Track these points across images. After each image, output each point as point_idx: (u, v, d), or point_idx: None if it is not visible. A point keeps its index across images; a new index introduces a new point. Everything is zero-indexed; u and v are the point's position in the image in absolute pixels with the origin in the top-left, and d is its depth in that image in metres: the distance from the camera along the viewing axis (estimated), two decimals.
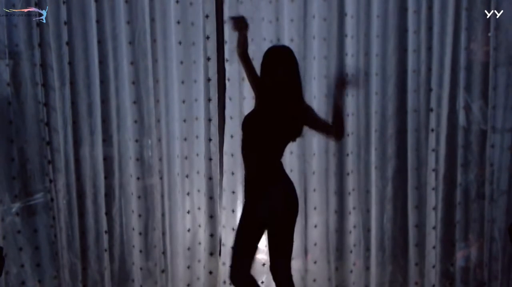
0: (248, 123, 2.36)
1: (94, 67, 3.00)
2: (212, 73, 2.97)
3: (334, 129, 2.31)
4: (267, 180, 2.33)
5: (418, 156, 3.07)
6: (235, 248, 2.44)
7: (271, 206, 2.32)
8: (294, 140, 2.41)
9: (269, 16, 2.99)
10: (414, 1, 2.97)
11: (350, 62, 3.01)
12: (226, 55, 2.97)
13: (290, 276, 2.44)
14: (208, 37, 2.95)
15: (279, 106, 2.28)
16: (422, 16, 2.98)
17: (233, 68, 2.98)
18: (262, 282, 3.14)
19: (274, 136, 2.31)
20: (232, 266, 2.42)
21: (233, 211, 3.05)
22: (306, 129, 2.38)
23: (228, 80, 3.00)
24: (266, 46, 2.96)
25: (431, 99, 3.01)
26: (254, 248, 2.44)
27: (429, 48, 3.00)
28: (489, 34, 2.97)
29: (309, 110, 2.37)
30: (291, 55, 2.29)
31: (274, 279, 2.44)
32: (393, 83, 3.06)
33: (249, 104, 2.95)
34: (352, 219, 3.10)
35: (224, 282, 3.07)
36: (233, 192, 3.05)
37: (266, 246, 3.07)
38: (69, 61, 2.97)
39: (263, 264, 3.12)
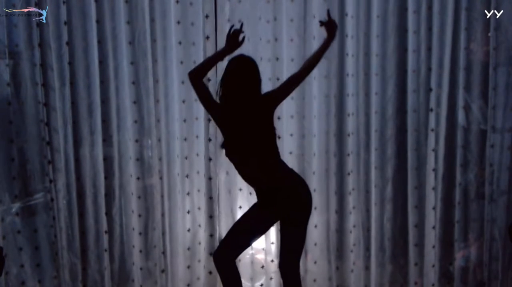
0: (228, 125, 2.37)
1: (94, 67, 3.00)
2: (212, 73, 2.97)
3: (305, 70, 2.39)
4: (264, 182, 2.36)
5: (418, 156, 3.08)
6: (234, 233, 2.44)
7: (275, 207, 2.35)
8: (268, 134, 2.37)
9: (267, 16, 2.99)
10: (414, 1, 2.98)
11: (350, 62, 3.01)
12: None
13: (298, 274, 2.44)
14: (208, 37, 2.95)
15: (239, 108, 2.30)
16: (422, 16, 2.98)
17: None
18: (262, 285, 3.14)
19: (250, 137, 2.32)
20: (222, 247, 2.42)
21: (231, 211, 3.06)
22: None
23: None
24: (263, 46, 2.98)
25: (431, 99, 3.01)
26: (251, 241, 2.50)
27: (429, 48, 3.01)
28: (489, 34, 2.97)
29: (268, 94, 2.37)
30: (246, 64, 2.33)
31: (282, 276, 2.44)
32: (393, 83, 3.07)
33: None
34: (352, 219, 3.10)
35: None
36: (229, 192, 3.06)
37: (268, 243, 3.09)
38: (69, 61, 2.97)
39: (262, 266, 3.12)
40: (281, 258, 2.43)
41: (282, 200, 2.33)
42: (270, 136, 2.35)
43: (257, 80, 2.34)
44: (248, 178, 2.42)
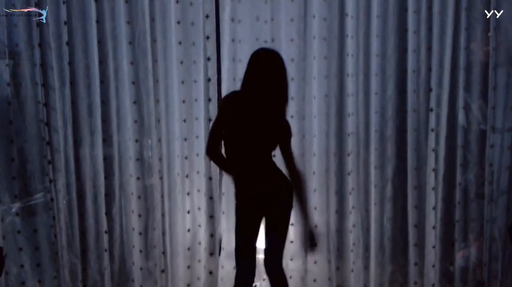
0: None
1: (94, 67, 3.00)
2: (212, 73, 2.97)
3: (294, 179, 2.46)
4: (272, 184, 2.42)
5: (418, 156, 3.07)
6: (243, 240, 2.50)
7: (275, 207, 2.42)
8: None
9: (266, 16, 2.99)
10: (414, 1, 2.97)
11: (350, 62, 3.01)
12: (226, 55, 2.97)
13: (282, 268, 2.53)
14: (208, 37, 2.94)
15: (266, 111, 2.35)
16: (422, 16, 2.98)
17: (233, 68, 2.99)
18: (264, 279, 3.13)
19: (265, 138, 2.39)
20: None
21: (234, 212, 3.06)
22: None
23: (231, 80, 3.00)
24: (261, 46, 2.97)
25: (431, 99, 3.01)
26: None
27: (429, 48, 3.00)
28: (489, 34, 2.97)
29: (288, 127, 2.47)
30: (282, 61, 2.38)
31: (269, 274, 2.50)
32: (393, 83, 3.06)
33: None
34: (352, 219, 3.10)
35: (222, 279, 3.08)
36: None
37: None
38: (69, 61, 2.97)
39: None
40: (269, 256, 2.48)
41: (282, 200, 2.42)
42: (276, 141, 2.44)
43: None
44: (256, 180, 2.43)
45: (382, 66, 3.05)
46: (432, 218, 3.05)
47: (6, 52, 2.93)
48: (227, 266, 3.06)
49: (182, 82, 3.01)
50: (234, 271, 2.55)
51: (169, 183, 3.07)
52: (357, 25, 3.01)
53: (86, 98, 3.03)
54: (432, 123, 3.01)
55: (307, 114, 3.04)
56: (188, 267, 3.11)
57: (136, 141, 3.03)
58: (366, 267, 3.14)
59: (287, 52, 2.99)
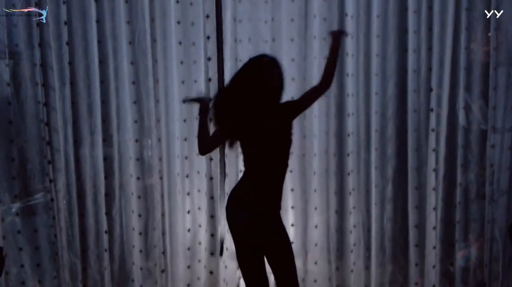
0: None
1: (94, 67, 3.00)
2: (212, 73, 2.98)
3: (323, 82, 2.25)
4: None
5: (418, 156, 3.07)
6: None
7: None
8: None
9: (266, 16, 2.99)
10: (414, 1, 2.97)
11: (350, 62, 3.01)
12: (226, 55, 2.97)
13: None
14: (208, 37, 2.95)
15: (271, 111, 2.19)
16: (422, 16, 2.98)
17: (235, 68, 2.99)
18: None
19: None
20: None
21: None
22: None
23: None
24: (262, 46, 2.98)
25: (431, 99, 3.00)
26: None
27: (429, 48, 3.00)
28: (489, 34, 2.97)
29: (288, 102, 2.30)
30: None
31: None
32: (393, 83, 3.06)
33: None
34: (352, 219, 3.10)
35: (224, 280, 3.08)
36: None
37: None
38: (69, 61, 2.97)
39: None
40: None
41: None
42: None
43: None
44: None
45: (383, 66, 3.04)
46: (433, 219, 3.04)
47: (6, 52, 2.94)
48: (230, 266, 3.05)
49: (182, 82, 3.01)
50: (238, 271, 2.48)
51: (169, 183, 3.07)
52: (357, 25, 3.01)
53: (86, 98, 3.03)
54: (433, 123, 3.00)
55: (308, 114, 3.03)
56: (188, 267, 3.11)
57: (136, 141, 3.03)
58: (367, 267, 3.14)
59: (288, 52, 2.99)
